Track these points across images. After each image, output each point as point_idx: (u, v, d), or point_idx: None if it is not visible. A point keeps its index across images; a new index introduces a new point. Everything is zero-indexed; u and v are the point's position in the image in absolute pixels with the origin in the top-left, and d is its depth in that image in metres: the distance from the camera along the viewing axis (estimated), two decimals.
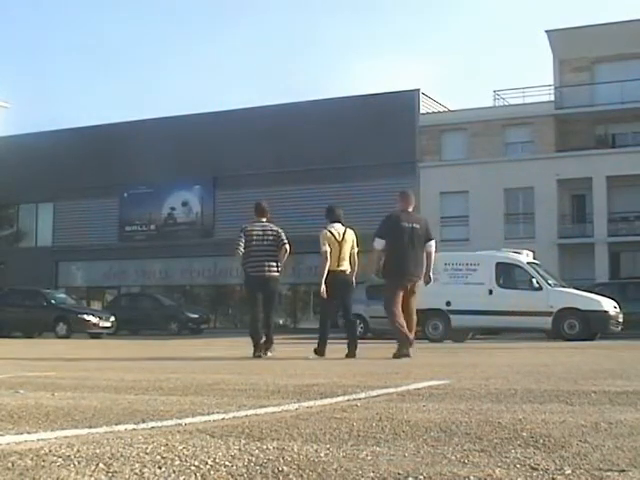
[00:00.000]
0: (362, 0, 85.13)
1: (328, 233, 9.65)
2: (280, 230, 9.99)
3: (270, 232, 9.91)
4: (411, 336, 9.12)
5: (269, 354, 9.81)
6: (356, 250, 9.86)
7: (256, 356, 9.69)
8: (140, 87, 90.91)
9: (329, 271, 9.60)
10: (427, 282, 9.54)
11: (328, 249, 9.56)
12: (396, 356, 8.91)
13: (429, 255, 9.40)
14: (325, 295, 9.64)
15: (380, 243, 9.27)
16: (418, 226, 9.25)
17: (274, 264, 9.88)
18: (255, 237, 9.81)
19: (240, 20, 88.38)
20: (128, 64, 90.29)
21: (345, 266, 9.66)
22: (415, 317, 9.40)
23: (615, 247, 30.40)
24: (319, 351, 9.73)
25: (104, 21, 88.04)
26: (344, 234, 9.70)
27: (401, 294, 9.17)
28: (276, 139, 34.08)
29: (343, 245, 9.64)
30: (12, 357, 11.17)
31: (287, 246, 9.86)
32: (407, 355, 8.88)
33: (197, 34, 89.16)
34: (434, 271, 20.60)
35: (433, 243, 9.44)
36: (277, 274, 9.96)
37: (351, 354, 9.47)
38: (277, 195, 34.07)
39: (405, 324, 9.06)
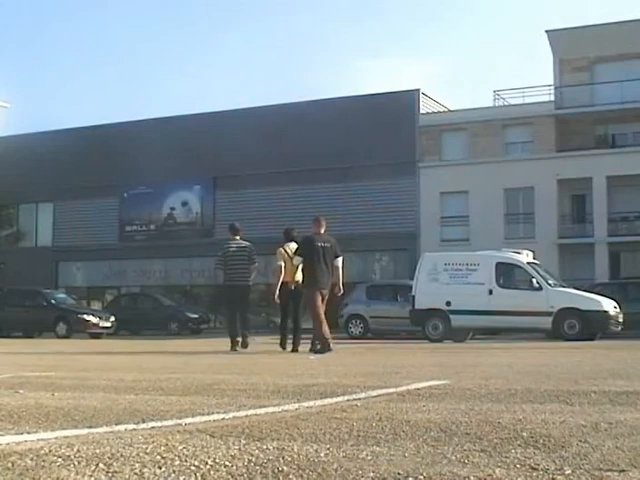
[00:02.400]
0: (363, 1, 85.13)
1: (282, 250, 11.53)
2: (252, 247, 12.10)
3: (244, 249, 12.03)
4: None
5: (247, 349, 11.54)
6: None
7: (233, 350, 11.53)
8: (140, 87, 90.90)
9: (284, 282, 11.40)
10: (337, 292, 11.04)
11: (282, 264, 11.40)
12: (313, 351, 10.51)
13: (337, 269, 10.98)
14: (278, 301, 11.57)
15: (298, 260, 10.92)
16: (329, 245, 10.88)
17: (247, 275, 11.95)
18: (232, 254, 11.98)
19: (241, 23, 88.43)
20: (129, 64, 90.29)
21: (297, 278, 11.29)
22: (326, 321, 10.80)
23: (615, 247, 30.36)
24: (281, 344, 11.59)
25: (104, 21, 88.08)
26: (296, 251, 11.30)
27: (320, 298, 10.67)
28: (276, 139, 34.03)
29: (295, 261, 11.25)
30: (12, 357, 11.17)
31: (256, 264, 12.09)
32: (327, 351, 10.25)
33: (199, 35, 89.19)
34: (434, 271, 20.76)
35: (340, 259, 11.02)
36: (250, 283, 12.02)
37: (295, 349, 11.16)
38: (277, 195, 34.13)
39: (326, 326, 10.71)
